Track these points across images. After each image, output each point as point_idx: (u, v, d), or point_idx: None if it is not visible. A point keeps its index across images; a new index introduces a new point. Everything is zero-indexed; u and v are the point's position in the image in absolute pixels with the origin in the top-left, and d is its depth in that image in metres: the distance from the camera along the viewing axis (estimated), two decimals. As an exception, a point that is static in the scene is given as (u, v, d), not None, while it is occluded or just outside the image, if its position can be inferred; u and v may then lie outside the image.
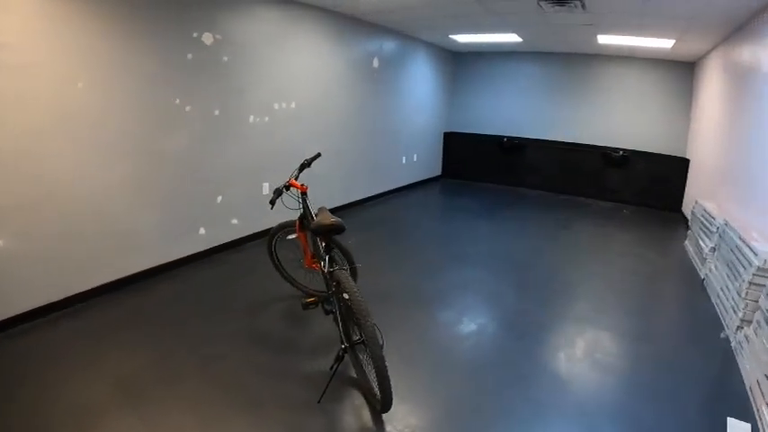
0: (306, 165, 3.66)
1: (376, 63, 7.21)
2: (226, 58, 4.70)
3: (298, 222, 3.56)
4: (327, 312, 3.04)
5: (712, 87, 6.52)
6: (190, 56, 4.34)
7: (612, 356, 3.47)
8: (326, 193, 6.05)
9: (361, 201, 7.46)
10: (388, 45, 7.47)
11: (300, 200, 3.51)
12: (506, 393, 2.95)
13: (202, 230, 4.76)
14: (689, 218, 6.22)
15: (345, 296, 2.52)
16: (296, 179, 3.50)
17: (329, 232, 2.77)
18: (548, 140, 9.23)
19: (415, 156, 8.94)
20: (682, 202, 8.00)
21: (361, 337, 2.53)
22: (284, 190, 3.38)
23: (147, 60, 4.00)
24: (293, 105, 5.59)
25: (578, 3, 4.82)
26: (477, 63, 9.64)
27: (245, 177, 5.13)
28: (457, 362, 3.29)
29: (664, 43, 6.38)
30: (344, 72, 6.50)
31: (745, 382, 3.15)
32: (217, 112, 4.70)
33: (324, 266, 2.89)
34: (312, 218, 3.36)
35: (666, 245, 6.47)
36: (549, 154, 9.19)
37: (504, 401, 2.88)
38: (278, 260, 3.99)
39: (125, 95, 3.88)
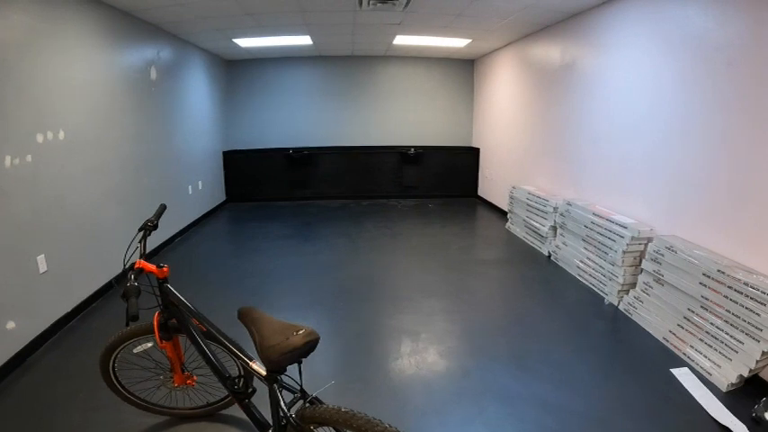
0: (151, 227, 2.24)
1: (154, 74, 5.81)
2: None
3: (156, 325, 2.17)
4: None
5: (506, 81, 7.56)
6: None
7: (522, 349, 3.65)
8: (115, 252, 4.55)
9: (155, 249, 5.81)
10: (166, 52, 6.15)
11: (158, 290, 2.14)
12: None
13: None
14: (508, 202, 6.90)
15: None
16: (143, 256, 2.11)
17: (301, 357, 1.64)
18: (343, 147, 9.22)
19: (200, 183, 7.57)
20: (477, 187, 9.07)
21: None
22: (132, 281, 1.85)
23: None
24: (62, 135, 3.91)
25: (403, 0, 4.80)
26: (256, 71, 8.91)
27: (7, 253, 3.29)
28: None
29: (459, 42, 7.07)
30: (120, 85, 4.97)
31: (656, 335, 3.71)
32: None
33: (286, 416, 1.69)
34: (187, 313, 2.13)
35: (490, 231, 7.04)
36: (345, 161, 9.16)
37: None
38: (121, 385, 2.51)
39: None
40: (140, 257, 2.09)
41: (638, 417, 2.79)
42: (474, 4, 4.90)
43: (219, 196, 8.75)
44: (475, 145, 9.29)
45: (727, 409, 2.85)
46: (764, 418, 2.75)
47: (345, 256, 5.69)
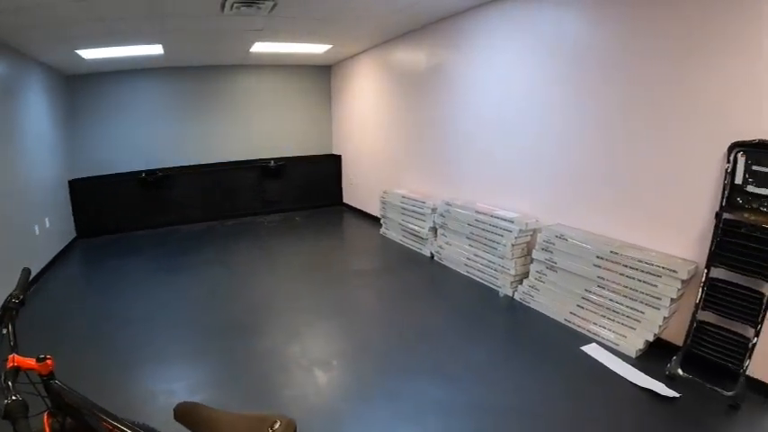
0: (17, 305, 1.50)
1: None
2: None
3: None
4: None
5: (367, 86, 7.52)
6: None
7: (436, 358, 3.69)
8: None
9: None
10: (1, 67, 4.98)
11: (45, 391, 1.42)
12: None
13: None
14: (380, 207, 6.84)
15: None
16: (15, 349, 1.40)
17: None
18: (202, 165, 8.25)
19: (47, 220, 6.11)
20: (341, 195, 8.92)
21: None
22: (12, 391, 1.21)
23: None
24: None
25: (270, 3, 4.55)
26: (101, 87, 7.48)
27: None
28: None
29: (319, 48, 6.89)
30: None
31: (557, 318, 4.04)
32: None
33: None
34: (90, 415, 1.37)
35: (366, 239, 6.95)
36: (205, 179, 8.23)
37: None
38: None
39: None
40: (11, 351, 1.39)
41: (566, 397, 3.01)
42: (341, 8, 4.80)
43: (69, 233, 7.24)
44: (336, 152, 9.20)
45: (642, 373, 3.21)
46: (678, 374, 3.15)
47: (224, 286, 5.11)
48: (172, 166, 8.08)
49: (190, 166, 8.21)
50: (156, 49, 6.16)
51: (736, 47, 2.93)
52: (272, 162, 8.61)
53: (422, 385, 3.14)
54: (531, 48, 4.39)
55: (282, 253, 6.32)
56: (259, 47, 6.51)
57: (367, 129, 7.74)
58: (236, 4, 4.31)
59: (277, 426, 1.18)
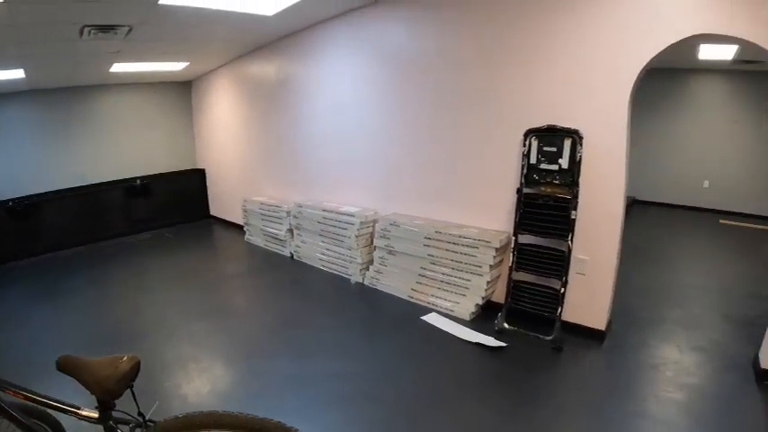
0: None
1: None
2: None
3: None
4: None
5: (226, 100, 7.43)
6: None
7: (303, 345, 4.02)
8: None
9: None
10: None
11: None
12: None
13: None
14: (243, 215, 6.83)
15: None
16: None
17: (131, 381, 1.66)
18: (70, 188, 7.35)
19: None
20: (208, 207, 8.62)
21: None
22: None
23: None
24: None
25: (125, 29, 4.52)
26: None
27: None
28: None
29: (177, 66, 6.72)
30: None
31: (401, 296, 4.49)
32: None
33: None
34: None
35: (233, 246, 6.89)
36: (74, 203, 7.32)
37: None
38: None
39: None
40: None
41: (410, 359, 3.46)
42: (191, 32, 4.84)
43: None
44: (200, 166, 8.91)
45: (475, 332, 3.74)
46: (505, 328, 3.72)
47: (98, 306, 4.77)
48: (43, 191, 7.22)
49: (59, 191, 7.40)
50: (18, 74, 5.61)
51: (530, 56, 3.67)
52: (138, 181, 8.11)
53: (282, 364, 3.39)
54: (364, 58, 4.84)
55: (155, 268, 6.06)
56: (118, 67, 6.22)
57: (227, 141, 7.71)
58: (92, 31, 4.19)
59: (124, 358, 1.66)
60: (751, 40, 2.72)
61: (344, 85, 5.13)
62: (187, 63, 6.65)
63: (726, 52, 6.45)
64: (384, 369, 3.30)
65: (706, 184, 8.33)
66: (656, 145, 8.48)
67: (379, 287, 4.70)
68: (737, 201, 8.04)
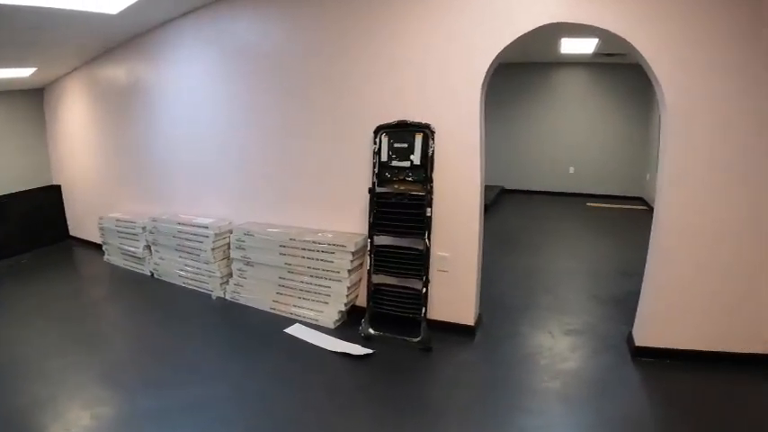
0: None
1: None
2: None
3: None
4: None
5: (78, 108, 6.59)
6: None
7: (162, 371, 3.69)
8: None
9: None
10: None
11: None
12: None
13: None
14: (100, 234, 6.16)
15: None
16: None
17: None
18: None
19: None
20: (67, 227, 7.69)
21: None
22: None
23: None
24: None
25: None
26: None
27: None
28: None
29: (23, 72, 5.97)
30: None
31: (263, 308, 4.20)
32: None
33: None
34: None
35: (91, 269, 6.18)
36: None
37: None
38: None
39: None
40: None
41: (272, 375, 3.20)
42: (35, 33, 4.30)
43: None
44: (56, 182, 7.92)
45: (341, 340, 3.54)
46: (370, 333, 3.56)
47: None
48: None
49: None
50: None
51: (381, 50, 3.56)
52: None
53: (140, 399, 3.00)
54: (213, 56, 4.50)
55: (12, 300, 5.27)
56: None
57: (83, 153, 6.91)
58: None
59: None
60: (593, 24, 2.87)
61: (196, 87, 4.72)
62: (34, 69, 5.96)
63: (587, 46, 6.77)
64: (248, 390, 3.03)
65: (571, 170, 8.77)
66: (524, 136, 8.75)
67: (241, 300, 4.38)
68: (601, 184, 8.55)
